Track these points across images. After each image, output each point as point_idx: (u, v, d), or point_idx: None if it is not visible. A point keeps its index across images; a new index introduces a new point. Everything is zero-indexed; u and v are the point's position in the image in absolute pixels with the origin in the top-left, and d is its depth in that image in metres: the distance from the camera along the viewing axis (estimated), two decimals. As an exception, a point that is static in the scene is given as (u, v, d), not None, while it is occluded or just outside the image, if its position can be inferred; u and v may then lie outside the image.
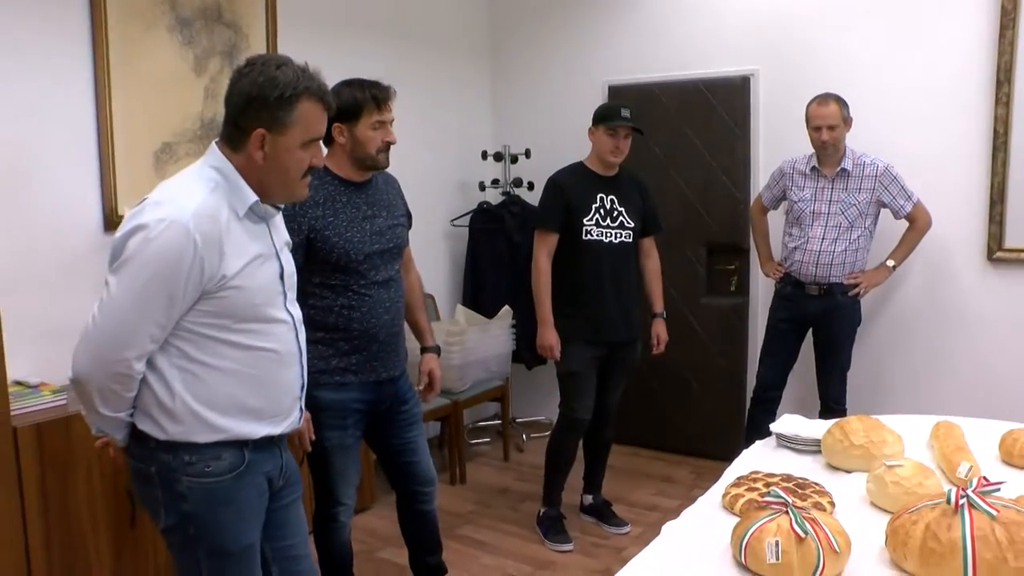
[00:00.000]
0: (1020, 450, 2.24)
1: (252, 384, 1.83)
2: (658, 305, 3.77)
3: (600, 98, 4.74)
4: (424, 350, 2.94)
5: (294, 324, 1.93)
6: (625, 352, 3.65)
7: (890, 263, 3.83)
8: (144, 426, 1.80)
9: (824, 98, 3.71)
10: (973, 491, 1.62)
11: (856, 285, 3.78)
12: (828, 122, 3.66)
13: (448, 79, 4.97)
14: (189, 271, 1.68)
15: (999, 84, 3.79)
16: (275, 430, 1.91)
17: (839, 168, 3.74)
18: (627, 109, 3.46)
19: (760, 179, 4.39)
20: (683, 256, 4.61)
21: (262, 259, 1.83)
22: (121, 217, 3.25)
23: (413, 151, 4.34)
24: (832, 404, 3.87)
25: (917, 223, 3.79)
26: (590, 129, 3.52)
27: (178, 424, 1.79)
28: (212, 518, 1.84)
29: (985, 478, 1.70)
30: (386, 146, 2.56)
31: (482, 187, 5.05)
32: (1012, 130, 3.79)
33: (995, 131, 3.82)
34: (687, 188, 4.58)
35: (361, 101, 2.49)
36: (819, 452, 2.33)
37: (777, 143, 4.36)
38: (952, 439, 2.29)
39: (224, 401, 1.80)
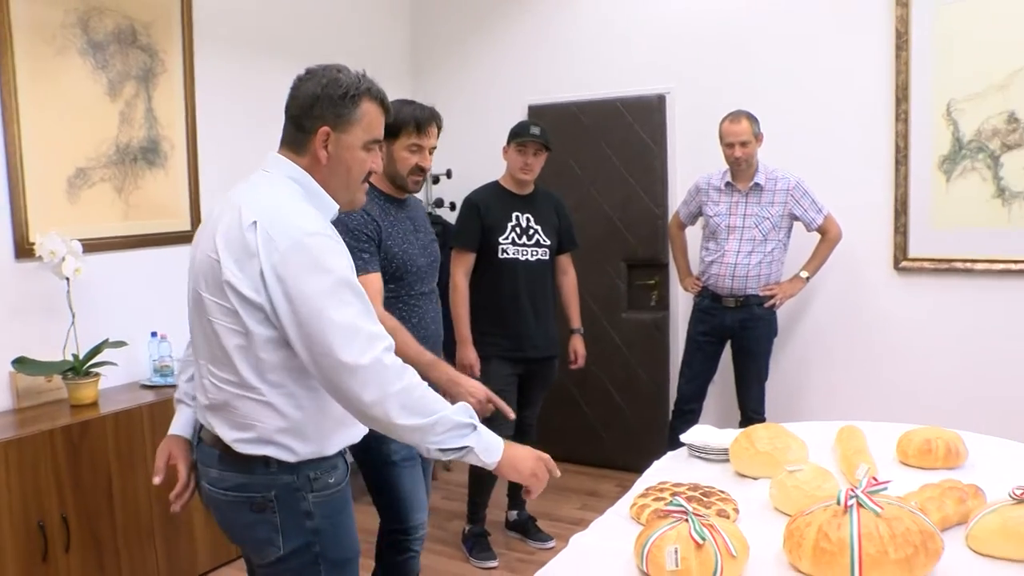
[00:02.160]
0: (914, 451, 2.32)
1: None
2: (575, 321, 3.82)
3: (521, 118, 4.79)
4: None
5: None
6: (544, 368, 3.68)
7: (804, 274, 3.94)
8: (265, 451, 1.75)
9: (736, 115, 3.80)
10: (863, 491, 1.68)
11: (771, 297, 3.87)
12: (740, 138, 3.76)
13: None
14: (350, 271, 1.74)
15: (898, 101, 3.96)
16: (355, 439, 1.91)
17: (752, 183, 3.84)
18: (536, 127, 3.50)
19: (677, 195, 4.48)
20: (604, 271, 4.67)
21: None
22: (33, 244, 3.17)
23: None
24: (752, 414, 3.95)
25: (828, 235, 3.90)
26: (504, 148, 3.56)
27: (308, 443, 1.78)
28: (336, 528, 1.84)
29: (875, 478, 1.76)
30: (418, 170, 2.58)
31: (405, 207, 5.02)
32: (911, 145, 3.95)
33: (896, 146, 3.98)
34: (606, 205, 4.65)
35: (402, 120, 2.52)
36: (728, 461, 2.38)
37: (692, 159, 4.46)
38: (853, 442, 2.36)
39: (335, 410, 1.78)
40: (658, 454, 4.49)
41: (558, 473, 1.92)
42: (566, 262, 3.79)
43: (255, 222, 1.67)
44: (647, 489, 2.11)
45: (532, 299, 3.56)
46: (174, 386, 2.15)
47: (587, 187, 4.67)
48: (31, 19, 3.16)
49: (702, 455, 2.45)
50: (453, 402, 1.96)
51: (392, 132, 2.46)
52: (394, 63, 5.20)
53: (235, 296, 1.68)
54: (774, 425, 2.37)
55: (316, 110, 1.78)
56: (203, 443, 1.86)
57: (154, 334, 3.57)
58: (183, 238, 3.68)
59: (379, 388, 1.64)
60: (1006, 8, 3.73)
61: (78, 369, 3.21)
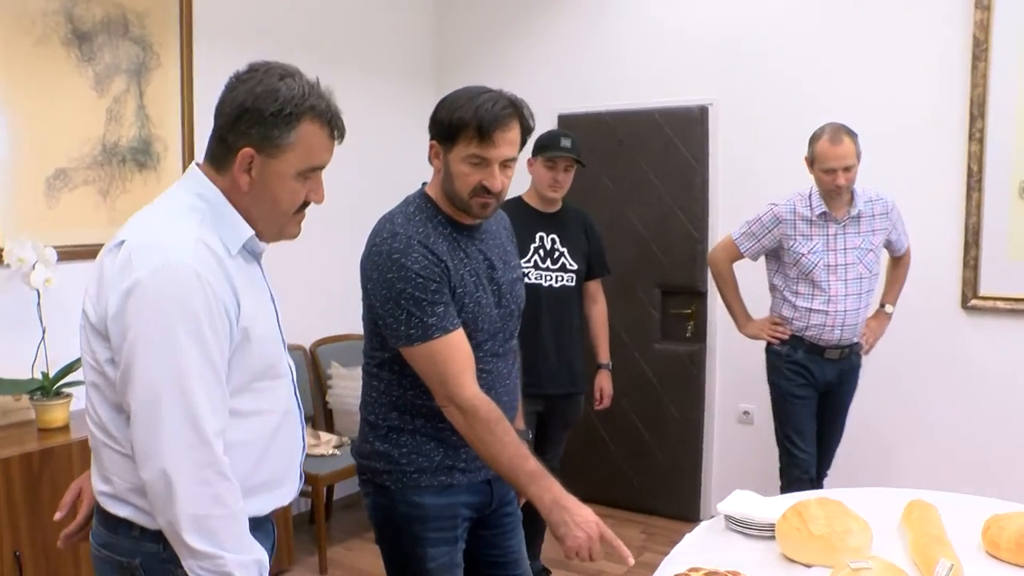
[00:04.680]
0: (1007, 542, 1.90)
1: (261, 453, 1.55)
2: (603, 355, 3.43)
3: (550, 128, 4.43)
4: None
5: (293, 378, 1.66)
6: (567, 405, 3.30)
7: (888, 309, 3.45)
8: (123, 511, 1.48)
9: (836, 133, 3.11)
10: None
11: (864, 342, 3.37)
12: (844, 163, 3.08)
13: (387, 105, 4.62)
14: (212, 324, 1.40)
15: (972, 119, 3.53)
16: (282, 502, 1.63)
17: (855, 210, 3.19)
18: (568, 138, 3.14)
19: (719, 216, 4.09)
20: (635, 298, 4.29)
21: (265, 302, 1.58)
22: (1, 251, 2.88)
23: (347, 180, 3.99)
24: (822, 477, 3.44)
25: (905, 258, 3.43)
26: (528, 160, 3.19)
27: None
28: None
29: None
30: (483, 192, 1.86)
31: (424, 220, 4.69)
32: (986, 168, 3.53)
33: (969, 169, 3.56)
34: (640, 225, 4.27)
35: (459, 120, 1.83)
36: (772, 538, 1.99)
37: (737, 178, 4.07)
38: (928, 526, 1.95)
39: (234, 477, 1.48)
40: (688, 498, 4.20)
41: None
42: (595, 289, 3.41)
43: (123, 242, 1.42)
44: (675, 578, 1.72)
45: (555, 329, 3.19)
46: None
47: (620, 206, 4.29)
48: (7, 4, 2.88)
49: (743, 529, 2.06)
50: (553, 531, 1.76)
51: (448, 136, 1.86)
52: (415, 66, 4.86)
53: (88, 325, 1.45)
54: (831, 501, 1.97)
55: (241, 125, 1.46)
56: None
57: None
58: (175, 248, 3.35)
59: (194, 505, 1.37)
60: (1101, 17, 3.30)
61: (47, 389, 2.93)
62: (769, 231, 3.30)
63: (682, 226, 4.18)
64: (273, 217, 1.53)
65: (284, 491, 1.62)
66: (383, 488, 1.95)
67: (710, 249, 4.03)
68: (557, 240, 3.22)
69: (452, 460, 1.95)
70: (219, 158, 1.51)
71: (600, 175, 4.27)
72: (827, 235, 3.21)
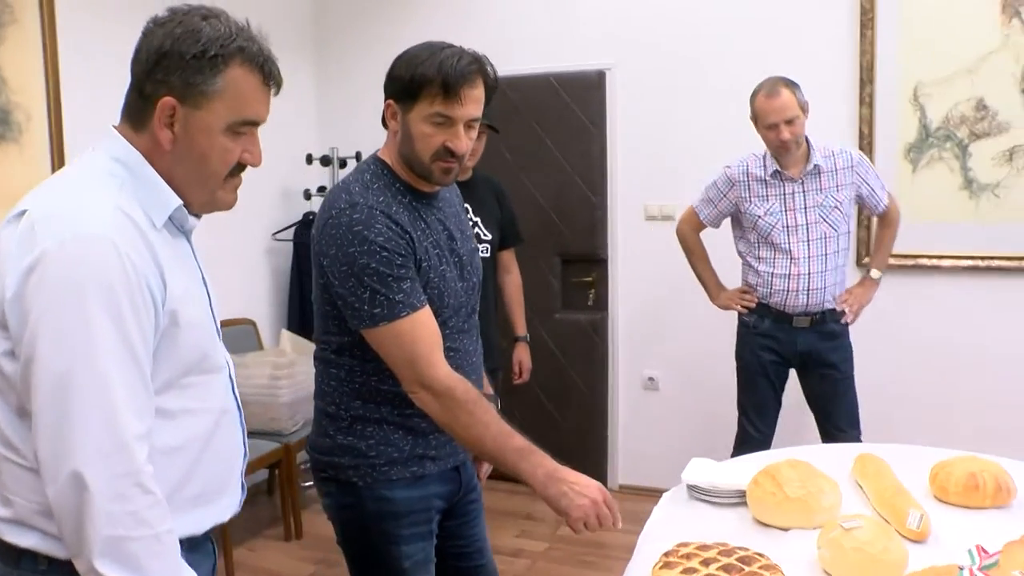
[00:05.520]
0: (955, 486, 1.95)
1: (194, 461, 1.33)
2: (520, 327, 3.35)
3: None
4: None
5: (230, 372, 1.45)
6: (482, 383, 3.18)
7: (875, 274, 3.24)
8: (27, 540, 1.23)
9: (773, 86, 2.97)
10: (979, 568, 1.27)
11: (845, 309, 3.16)
12: (785, 115, 2.92)
13: None
14: (134, 305, 1.19)
15: (862, 84, 3.66)
16: (222, 517, 1.41)
17: (811, 165, 3.04)
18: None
19: (618, 183, 4.07)
20: (535, 267, 4.20)
21: (195, 283, 1.37)
22: None
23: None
24: (842, 430, 3.17)
25: (889, 217, 3.24)
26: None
27: None
28: None
29: (982, 548, 1.36)
30: (447, 154, 1.70)
31: (307, 195, 4.44)
32: (876, 132, 3.65)
33: (860, 132, 3.69)
34: (539, 193, 4.18)
35: (421, 76, 1.66)
36: (742, 504, 1.95)
37: (636, 144, 4.04)
38: (884, 479, 1.98)
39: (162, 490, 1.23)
40: (598, 468, 4.17)
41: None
42: (509, 259, 3.30)
43: (24, 212, 1.21)
44: (666, 555, 1.64)
45: (470, 302, 3.05)
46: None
47: (517, 174, 4.18)
48: None
49: (710, 498, 2.01)
50: (553, 505, 1.63)
51: (408, 93, 1.68)
52: (293, 35, 4.56)
53: None
54: (800, 462, 1.95)
55: (159, 72, 1.26)
56: None
57: None
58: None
59: (109, 525, 1.15)
60: (978, -16, 3.46)
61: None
62: (724, 195, 3.18)
63: (581, 193, 4.12)
64: (201, 179, 1.32)
65: (224, 504, 1.42)
66: (348, 485, 1.78)
67: (610, 217, 4.02)
68: (470, 210, 3.07)
69: (423, 449, 1.81)
70: (136, 114, 1.30)
71: (496, 142, 4.13)
72: (783, 194, 3.07)
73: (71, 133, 3.07)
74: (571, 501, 1.63)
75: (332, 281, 1.68)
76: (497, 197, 3.20)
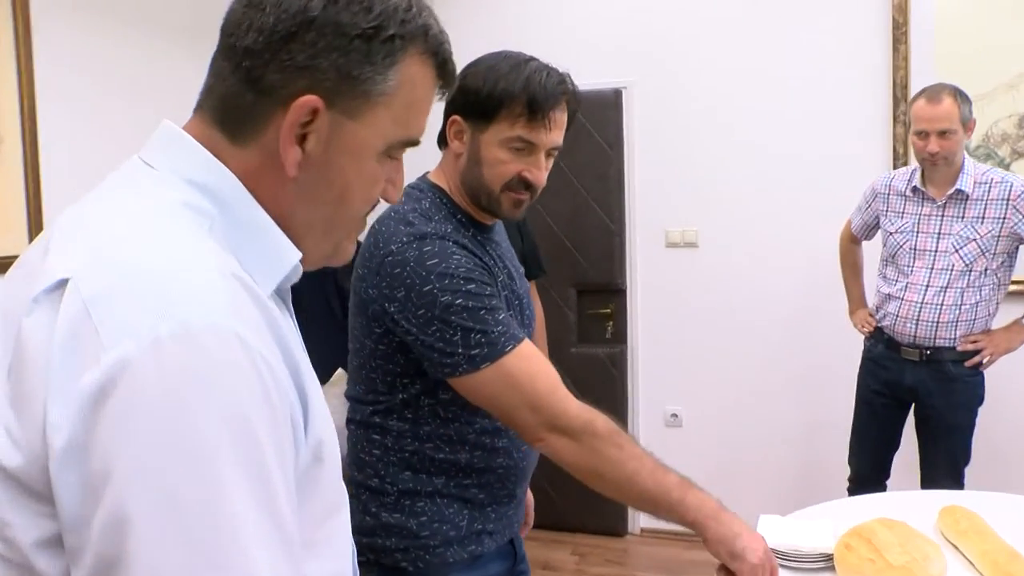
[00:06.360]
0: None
1: None
2: (545, 363, 3.08)
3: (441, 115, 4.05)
4: None
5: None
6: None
7: None
8: None
9: (934, 93, 2.72)
10: None
11: (975, 352, 2.83)
12: (939, 126, 2.67)
13: (146, 66, 3.62)
14: (279, 449, 0.71)
15: (896, 102, 3.47)
16: None
17: (953, 189, 2.76)
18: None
19: (637, 207, 3.85)
20: (549, 299, 3.97)
21: (315, 380, 0.90)
22: None
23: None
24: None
25: None
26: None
27: None
28: None
29: None
30: (521, 186, 1.48)
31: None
32: (911, 152, 3.45)
33: (895, 151, 3.51)
34: (552, 219, 3.96)
35: (505, 94, 1.43)
36: (827, 569, 1.71)
37: (656, 165, 3.83)
38: (987, 538, 1.74)
39: None
40: (618, 513, 3.93)
41: None
42: (531, 293, 3.05)
43: (65, 281, 0.69)
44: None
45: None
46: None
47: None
48: None
49: (791, 563, 1.76)
50: (727, 546, 1.38)
51: (484, 112, 1.45)
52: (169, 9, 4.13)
53: None
54: (897, 522, 1.72)
55: (298, 52, 0.79)
56: None
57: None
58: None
59: None
60: (1018, -5, 3.30)
61: None
62: (869, 204, 3.03)
63: (597, 219, 3.91)
64: (332, 223, 0.88)
65: None
66: (396, 571, 1.52)
67: (628, 244, 3.80)
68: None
69: (481, 523, 1.56)
70: (240, 116, 0.81)
71: (506, 167, 3.94)
72: (919, 214, 2.83)
73: (48, 154, 2.82)
74: (747, 544, 1.39)
75: (408, 329, 1.41)
76: (519, 227, 2.98)
